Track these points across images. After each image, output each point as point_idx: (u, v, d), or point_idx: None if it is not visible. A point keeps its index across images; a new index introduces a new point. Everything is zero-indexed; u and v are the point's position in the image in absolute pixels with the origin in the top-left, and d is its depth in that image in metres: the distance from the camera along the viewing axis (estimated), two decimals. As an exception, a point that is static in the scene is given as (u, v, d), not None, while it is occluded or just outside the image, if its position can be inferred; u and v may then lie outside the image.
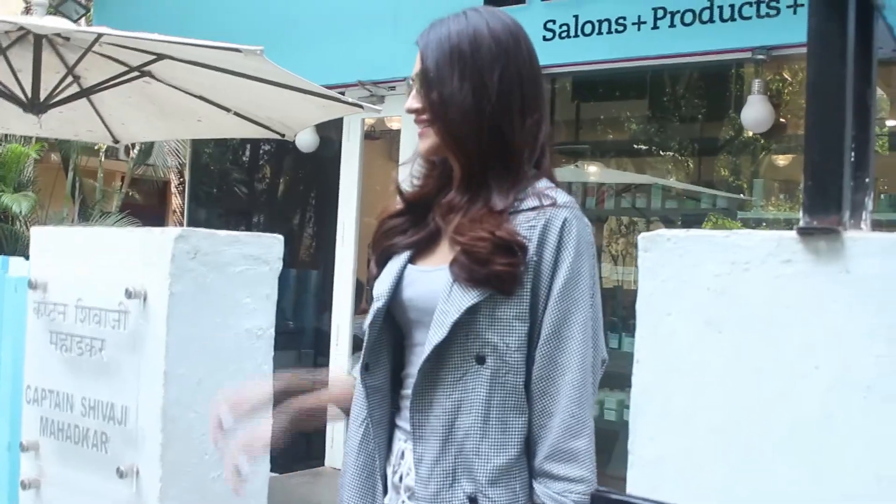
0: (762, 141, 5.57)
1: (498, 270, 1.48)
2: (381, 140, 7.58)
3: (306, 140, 6.27)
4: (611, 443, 3.91)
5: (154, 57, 4.15)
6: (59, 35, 4.00)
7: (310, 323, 7.36)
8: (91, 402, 2.12)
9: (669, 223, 5.61)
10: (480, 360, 1.51)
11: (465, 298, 1.49)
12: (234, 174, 8.43)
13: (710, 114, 6.00)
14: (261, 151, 8.20)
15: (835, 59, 1.15)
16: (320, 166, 7.02)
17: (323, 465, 6.45)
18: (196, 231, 2.04)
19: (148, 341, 2.01)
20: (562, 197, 1.56)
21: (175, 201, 13.30)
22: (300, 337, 7.29)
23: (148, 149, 11.08)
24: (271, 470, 2.25)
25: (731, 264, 1.27)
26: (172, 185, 13.45)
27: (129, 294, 2.00)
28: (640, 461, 1.28)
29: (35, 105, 4.01)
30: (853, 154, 1.22)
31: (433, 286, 1.55)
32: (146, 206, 12.80)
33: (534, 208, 1.53)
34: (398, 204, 1.70)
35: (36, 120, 4.19)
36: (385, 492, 1.63)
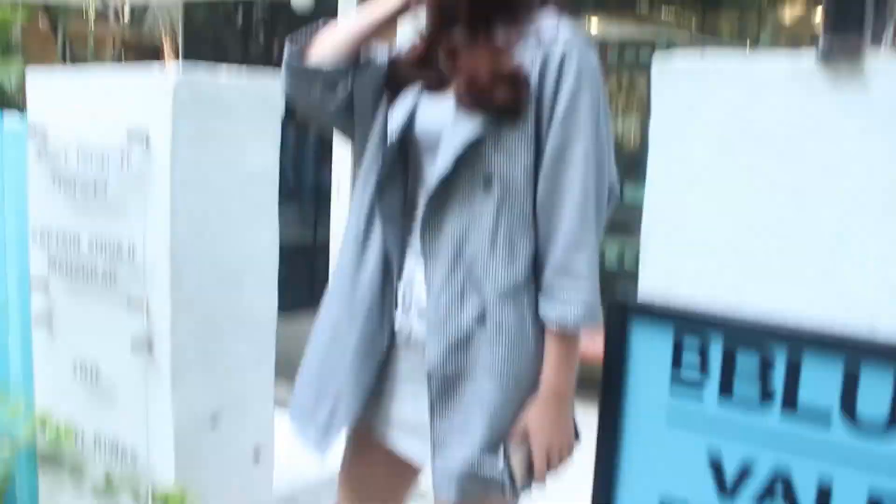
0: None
1: (500, 100, 1.54)
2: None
3: (301, 1, 6.16)
4: (611, 288, 3.97)
5: None
6: None
7: (309, 177, 7.44)
8: (98, 240, 2.16)
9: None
10: (487, 186, 1.58)
11: (470, 130, 1.55)
12: (228, 38, 8.27)
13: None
14: (254, 15, 8.02)
15: None
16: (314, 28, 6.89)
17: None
18: (197, 71, 2.04)
19: (152, 180, 2.04)
20: (565, 29, 1.59)
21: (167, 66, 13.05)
22: (300, 191, 7.36)
23: (140, 14, 10.80)
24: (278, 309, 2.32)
25: (748, 87, 1.28)
26: (165, 50, 13.18)
27: (131, 135, 2.02)
28: (652, 276, 1.32)
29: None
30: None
31: (441, 118, 1.61)
32: (139, 73, 12.53)
33: (538, 42, 1.57)
34: (411, 50, 1.73)
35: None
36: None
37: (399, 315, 1.68)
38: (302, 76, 1.70)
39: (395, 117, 1.66)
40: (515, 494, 1.66)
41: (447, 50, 1.64)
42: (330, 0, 6.33)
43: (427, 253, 1.62)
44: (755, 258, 1.24)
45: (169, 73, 2.03)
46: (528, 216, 1.60)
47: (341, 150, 6.22)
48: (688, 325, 1.24)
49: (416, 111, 1.66)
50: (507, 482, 1.61)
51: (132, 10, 10.67)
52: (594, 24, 6.02)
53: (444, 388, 1.61)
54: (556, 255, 1.58)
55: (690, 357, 1.24)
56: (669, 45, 5.43)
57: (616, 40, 5.65)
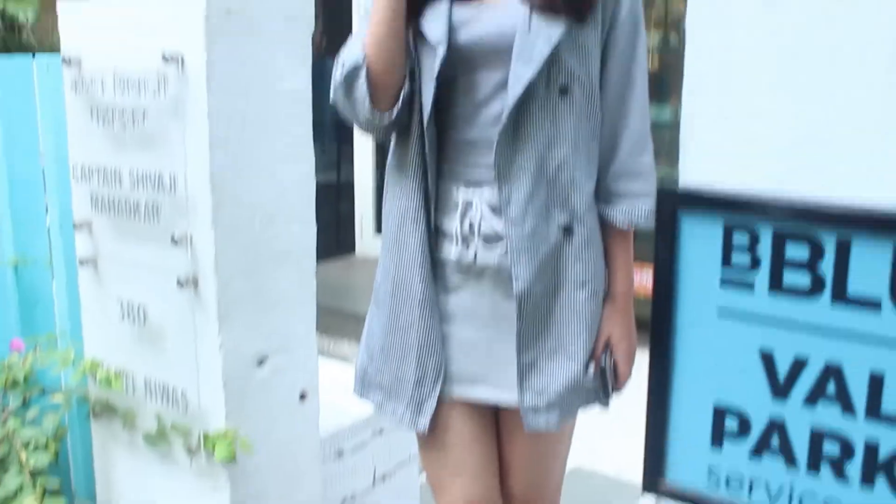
0: None
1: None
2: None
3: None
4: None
5: None
6: None
7: (330, 115, 7.37)
8: (139, 173, 2.12)
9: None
10: (564, 91, 1.50)
11: (552, 29, 1.46)
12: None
13: None
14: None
15: None
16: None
17: (353, 253, 6.56)
18: (227, -10, 1.98)
19: (189, 106, 1.99)
20: None
21: None
22: (321, 131, 7.28)
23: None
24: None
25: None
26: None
27: (165, 58, 1.97)
28: (694, 152, 1.26)
29: None
30: None
31: (503, 21, 1.51)
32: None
33: None
34: None
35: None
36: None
37: (456, 250, 1.60)
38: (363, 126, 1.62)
39: (434, 29, 1.53)
40: (608, 404, 1.66)
41: None
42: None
43: (504, 170, 1.52)
44: (801, 136, 1.17)
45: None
46: (598, 119, 1.56)
47: None
48: (737, 215, 1.18)
49: (455, 21, 1.54)
50: (605, 392, 1.62)
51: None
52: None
53: (535, 309, 1.55)
54: (623, 156, 1.56)
55: (741, 248, 1.19)
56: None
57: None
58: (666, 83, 5.03)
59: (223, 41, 1.96)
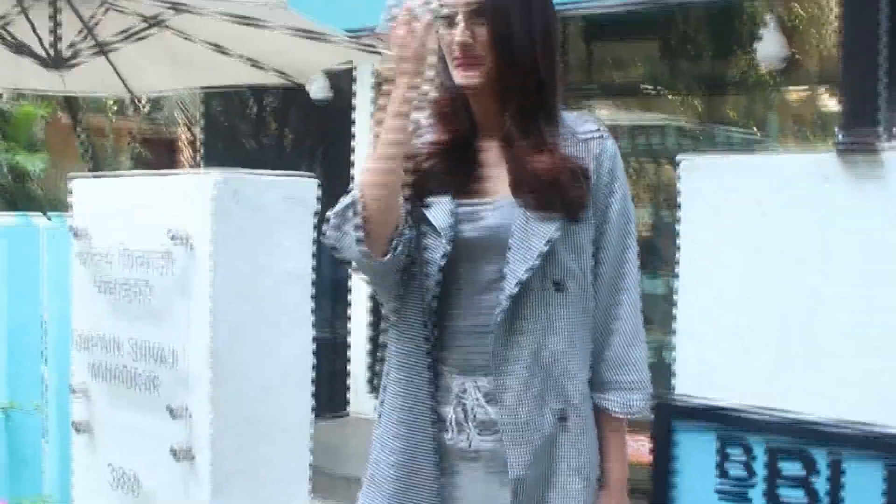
0: (776, 77, 5.54)
1: (572, 197, 1.55)
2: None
3: (319, 91, 6.26)
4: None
5: (169, 6, 4.14)
6: (75, -11, 4.00)
7: (327, 274, 7.41)
8: (140, 344, 2.18)
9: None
10: (559, 285, 1.57)
11: (548, 227, 1.54)
12: (247, 128, 8.41)
13: (723, 51, 5.94)
14: (273, 105, 8.16)
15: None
16: (333, 117, 7.00)
17: (346, 412, 6.52)
18: (236, 174, 2.08)
19: (194, 284, 2.06)
20: (595, 123, 1.65)
21: (185, 157, 13.29)
22: (319, 288, 7.31)
23: (156, 104, 11.04)
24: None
25: (770, 186, 1.32)
26: (182, 140, 13.43)
27: (173, 238, 2.05)
28: (686, 372, 1.33)
29: (57, 62, 4.03)
30: (887, 74, 1.25)
31: (500, 219, 1.58)
32: (157, 163, 12.78)
33: (582, 138, 1.61)
34: (429, 143, 1.68)
35: (57, 77, 4.21)
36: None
37: (450, 435, 1.63)
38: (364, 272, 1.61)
39: (441, 221, 1.60)
40: None
41: (508, 154, 1.60)
42: (346, 92, 6.48)
43: (500, 360, 1.56)
44: (785, 354, 1.25)
45: (209, 176, 2.07)
46: (591, 310, 1.61)
47: (361, 140, 6.16)
48: (731, 429, 1.24)
49: (459, 215, 1.61)
50: None
51: (150, 102, 10.91)
52: (604, 111, 6.12)
53: (529, 498, 1.57)
54: (615, 348, 1.61)
55: (735, 460, 1.24)
56: (678, 130, 5.53)
57: (626, 126, 5.75)
58: (658, 253, 5.12)
59: (229, 222, 2.05)
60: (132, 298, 2.18)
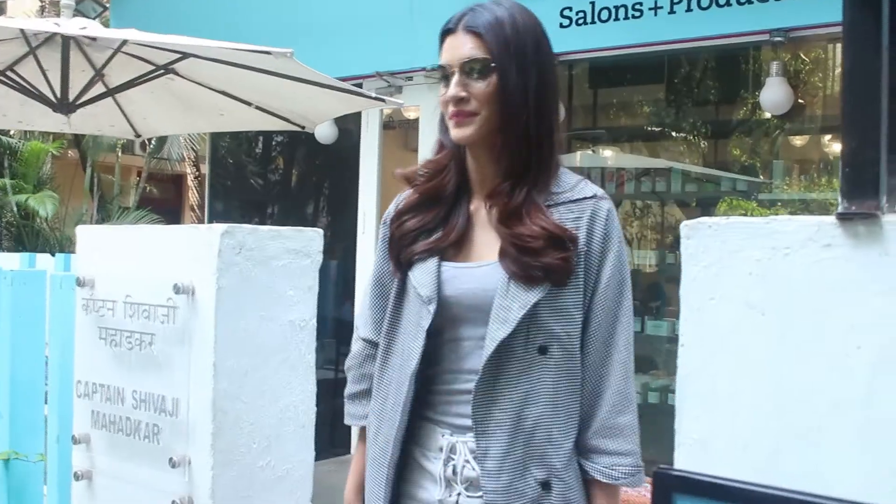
0: (780, 123, 5.59)
1: (552, 263, 1.53)
2: (398, 129, 7.62)
3: (325, 132, 6.32)
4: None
5: (179, 55, 4.20)
6: (86, 36, 4.06)
7: (331, 314, 7.41)
8: (142, 395, 2.18)
9: (686, 206, 5.64)
10: (543, 350, 1.56)
11: (529, 294, 1.53)
12: (254, 167, 8.48)
13: (727, 97, 6.01)
14: (279, 144, 8.25)
15: (870, 46, 1.19)
16: (339, 158, 7.06)
17: (349, 453, 6.48)
18: (240, 227, 2.10)
19: (197, 335, 2.07)
20: (595, 187, 1.64)
21: (192, 195, 13.37)
22: (322, 328, 7.32)
23: (162, 141, 11.13)
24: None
25: (771, 249, 1.32)
26: (189, 178, 13.52)
27: (177, 289, 2.06)
28: (687, 440, 1.33)
29: (64, 105, 4.08)
30: (889, 141, 1.26)
31: (484, 281, 1.58)
32: (163, 201, 12.89)
33: (575, 200, 1.60)
34: (412, 196, 1.71)
35: (63, 118, 4.26)
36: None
37: (439, 492, 1.63)
38: None
39: (424, 286, 1.62)
40: None
41: (500, 211, 1.60)
42: (352, 131, 6.55)
43: (481, 424, 1.56)
44: (785, 425, 1.24)
45: (214, 229, 2.08)
46: (578, 375, 1.60)
47: (367, 182, 6.17)
48: None
49: (443, 277, 1.62)
50: None
51: (157, 140, 11.00)
52: (612, 155, 6.16)
53: None
54: (604, 415, 1.59)
55: None
56: (683, 174, 5.56)
57: (631, 169, 5.78)
58: (663, 298, 5.12)
59: (233, 274, 2.06)
60: (135, 348, 2.19)
